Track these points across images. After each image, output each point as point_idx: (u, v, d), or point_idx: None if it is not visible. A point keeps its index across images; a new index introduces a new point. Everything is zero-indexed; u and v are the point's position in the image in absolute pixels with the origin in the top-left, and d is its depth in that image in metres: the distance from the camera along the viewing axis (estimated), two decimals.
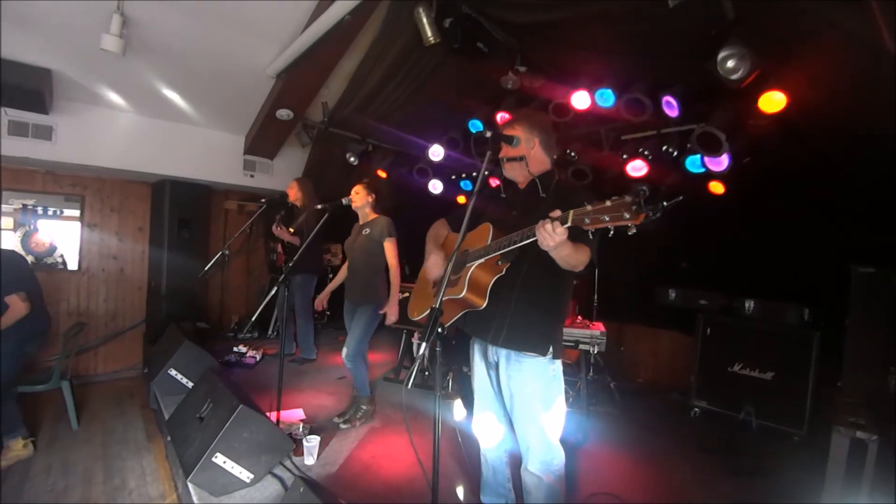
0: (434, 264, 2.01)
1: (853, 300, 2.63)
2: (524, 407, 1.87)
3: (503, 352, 1.89)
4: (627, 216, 1.25)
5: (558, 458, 1.90)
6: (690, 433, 3.48)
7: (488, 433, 2.08)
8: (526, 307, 1.83)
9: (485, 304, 1.77)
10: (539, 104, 3.76)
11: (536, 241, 1.48)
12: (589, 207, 1.34)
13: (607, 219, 1.29)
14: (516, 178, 1.98)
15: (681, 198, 1.26)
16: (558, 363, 1.89)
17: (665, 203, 1.23)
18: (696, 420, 3.70)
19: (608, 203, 1.29)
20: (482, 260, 1.76)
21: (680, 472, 2.89)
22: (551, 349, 1.83)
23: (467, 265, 1.80)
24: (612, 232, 1.32)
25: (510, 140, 1.89)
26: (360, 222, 3.35)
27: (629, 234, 1.29)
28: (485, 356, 2.02)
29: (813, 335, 3.23)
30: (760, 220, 3.62)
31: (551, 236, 1.42)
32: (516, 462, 2.10)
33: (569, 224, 1.40)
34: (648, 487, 2.67)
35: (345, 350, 3.20)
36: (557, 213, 1.42)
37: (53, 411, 3.82)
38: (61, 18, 3.14)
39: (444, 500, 2.33)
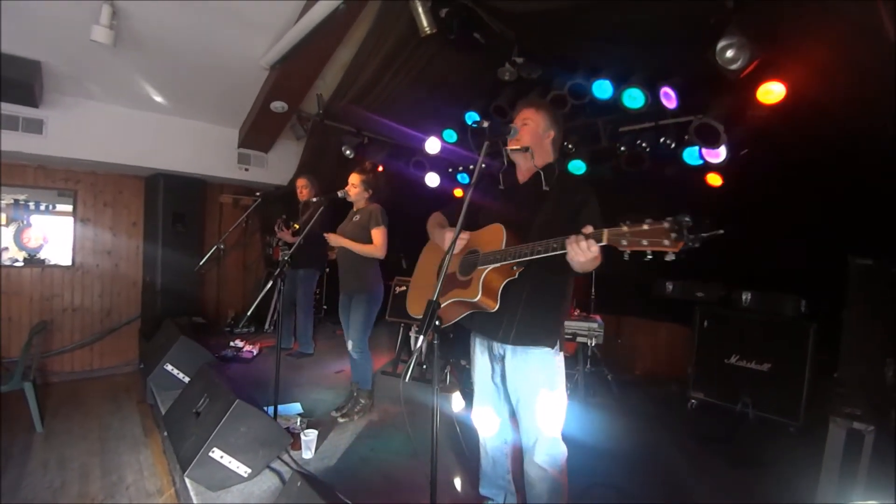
0: (445, 238, 1.97)
1: (850, 291, 2.63)
2: (530, 397, 1.86)
3: (511, 346, 1.89)
4: (667, 243, 1.24)
5: (563, 451, 1.89)
6: (687, 424, 3.50)
7: (488, 425, 2.08)
8: (534, 307, 1.83)
9: (497, 307, 1.75)
10: (536, 95, 3.73)
11: (560, 253, 1.49)
12: (625, 228, 1.33)
13: (646, 243, 1.28)
14: (520, 165, 1.98)
15: (721, 231, 1.24)
16: (561, 356, 1.90)
17: (705, 234, 1.22)
18: (693, 411, 3.72)
19: (645, 227, 1.29)
20: (499, 265, 1.73)
21: (677, 463, 2.90)
22: (557, 342, 1.86)
23: (480, 267, 1.77)
24: (649, 256, 1.30)
25: (509, 132, 1.87)
26: (354, 209, 3.34)
27: (666, 259, 1.28)
28: (488, 349, 2.01)
29: (810, 326, 3.24)
30: (758, 212, 3.61)
31: (584, 253, 1.43)
32: (517, 455, 2.09)
33: (603, 242, 1.40)
34: (646, 478, 2.69)
35: (350, 343, 3.19)
36: (589, 229, 1.42)
37: (52, 407, 3.82)
38: (51, 9, 3.07)
39: (443, 492, 2.33)
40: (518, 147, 1.89)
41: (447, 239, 1.94)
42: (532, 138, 1.90)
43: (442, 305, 1.80)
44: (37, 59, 3.51)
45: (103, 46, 3.06)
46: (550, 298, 1.86)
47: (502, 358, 1.94)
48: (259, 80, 4.17)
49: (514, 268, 1.75)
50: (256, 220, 5.83)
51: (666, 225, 1.24)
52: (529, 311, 1.83)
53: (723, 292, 3.87)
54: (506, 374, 1.94)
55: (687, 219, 1.22)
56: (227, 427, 2.27)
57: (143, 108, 4.34)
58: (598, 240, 1.40)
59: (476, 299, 1.73)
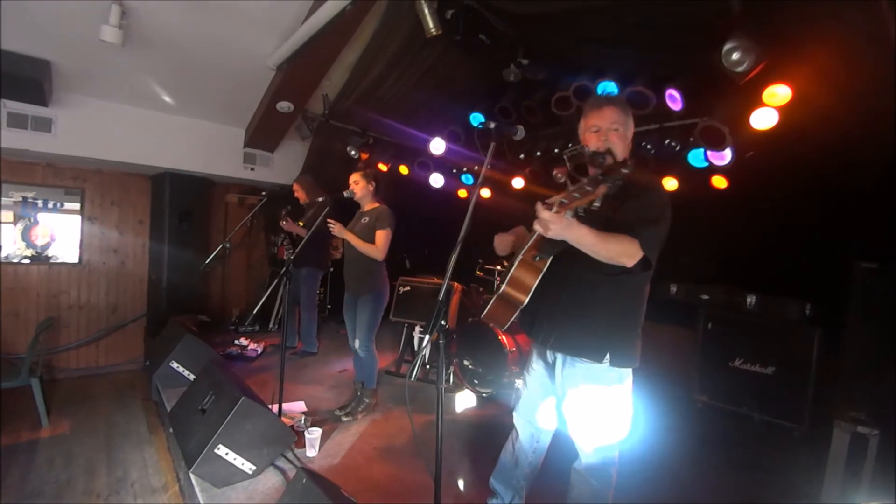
0: (499, 239, 2.00)
1: (855, 296, 2.62)
2: (574, 410, 1.81)
3: (559, 354, 1.85)
4: (590, 189, 1.30)
5: (610, 465, 1.83)
6: (691, 427, 3.49)
7: (523, 428, 2.06)
8: (578, 309, 1.76)
9: (526, 301, 1.74)
10: (541, 97, 3.74)
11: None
12: (571, 187, 1.35)
13: (578, 196, 1.31)
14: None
15: (620, 181, 1.34)
16: (623, 371, 1.77)
17: (618, 174, 1.31)
18: (697, 414, 3.71)
19: (584, 180, 1.33)
20: (520, 257, 1.74)
21: (681, 466, 2.91)
22: (608, 356, 1.71)
23: (514, 263, 1.79)
24: (581, 211, 1.36)
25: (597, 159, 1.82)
26: (363, 209, 3.35)
27: (593, 207, 1.35)
28: (542, 355, 1.96)
29: (814, 330, 3.22)
30: (763, 215, 3.60)
31: (543, 225, 1.36)
32: (540, 464, 2.09)
33: (555, 209, 1.34)
34: (649, 480, 2.68)
35: (356, 342, 3.21)
36: (555, 198, 1.38)
37: (57, 403, 3.85)
38: (60, 9, 3.11)
39: (447, 491, 2.34)
40: (598, 150, 1.71)
41: (499, 237, 2.01)
42: (622, 141, 1.75)
43: (488, 307, 1.88)
44: (46, 58, 3.55)
45: (112, 46, 3.09)
46: (600, 302, 1.74)
47: (553, 364, 1.89)
48: (265, 80, 4.20)
49: (537, 259, 1.72)
50: (261, 219, 5.86)
51: (601, 177, 1.31)
52: (573, 315, 1.76)
53: (727, 295, 3.85)
54: (556, 382, 1.90)
55: (602, 154, 1.37)
56: (233, 424, 2.29)
57: (150, 107, 4.38)
58: (551, 205, 1.35)
59: (501, 291, 1.75)
